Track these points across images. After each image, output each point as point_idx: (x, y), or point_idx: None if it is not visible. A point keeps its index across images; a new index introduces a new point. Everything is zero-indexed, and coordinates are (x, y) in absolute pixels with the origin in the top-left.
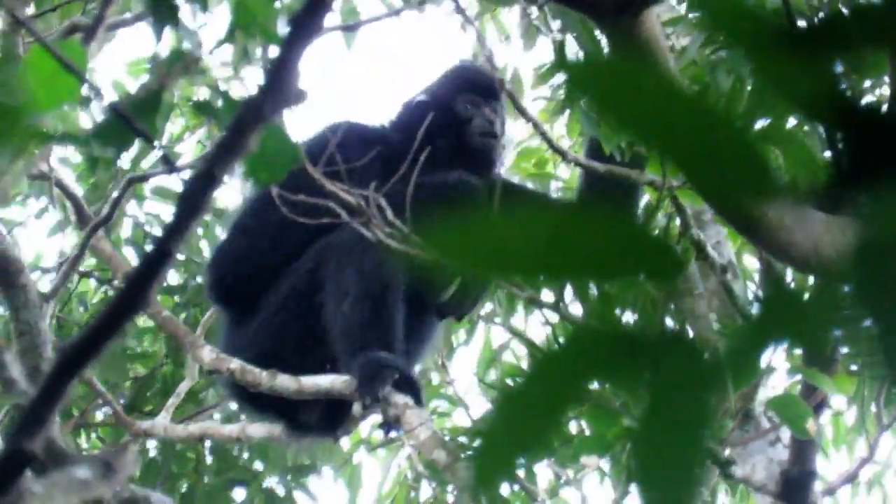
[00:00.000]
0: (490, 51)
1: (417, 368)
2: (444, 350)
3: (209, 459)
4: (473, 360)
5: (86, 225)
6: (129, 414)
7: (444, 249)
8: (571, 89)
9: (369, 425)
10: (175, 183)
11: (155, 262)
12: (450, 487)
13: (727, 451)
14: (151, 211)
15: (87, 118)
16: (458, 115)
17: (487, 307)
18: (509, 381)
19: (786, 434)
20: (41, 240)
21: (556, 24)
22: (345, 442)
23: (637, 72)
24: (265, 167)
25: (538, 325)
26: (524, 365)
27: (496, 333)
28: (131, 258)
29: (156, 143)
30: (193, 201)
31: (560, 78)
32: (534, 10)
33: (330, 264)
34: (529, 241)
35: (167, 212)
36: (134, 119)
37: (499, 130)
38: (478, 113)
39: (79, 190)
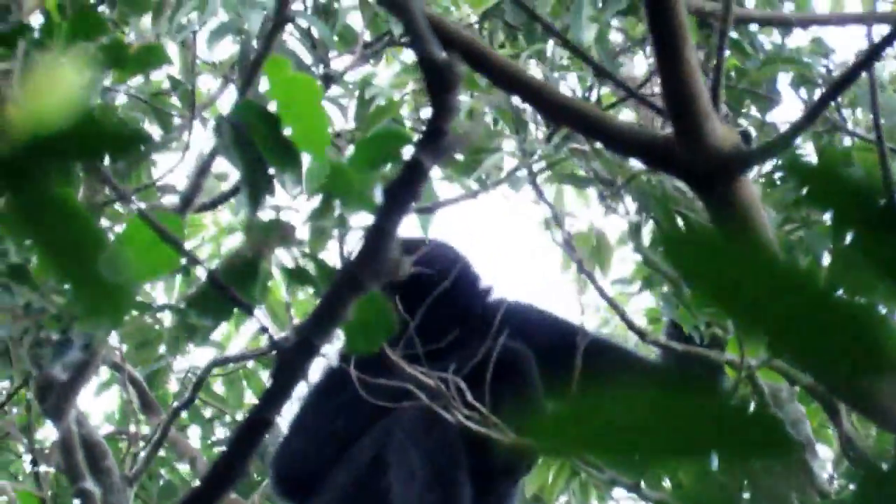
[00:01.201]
0: (569, 233)
1: None
2: None
3: None
4: None
5: (149, 410)
6: None
7: (534, 434)
8: (671, 262)
9: None
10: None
11: (252, 431)
12: None
13: None
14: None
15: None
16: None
17: (562, 499)
18: None
19: None
20: (108, 403)
21: (631, 205)
22: None
23: (737, 245)
24: (362, 336)
25: None
26: None
27: None
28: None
29: (253, 312)
30: (291, 370)
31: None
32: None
33: (394, 446)
34: (622, 423)
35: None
36: (231, 288)
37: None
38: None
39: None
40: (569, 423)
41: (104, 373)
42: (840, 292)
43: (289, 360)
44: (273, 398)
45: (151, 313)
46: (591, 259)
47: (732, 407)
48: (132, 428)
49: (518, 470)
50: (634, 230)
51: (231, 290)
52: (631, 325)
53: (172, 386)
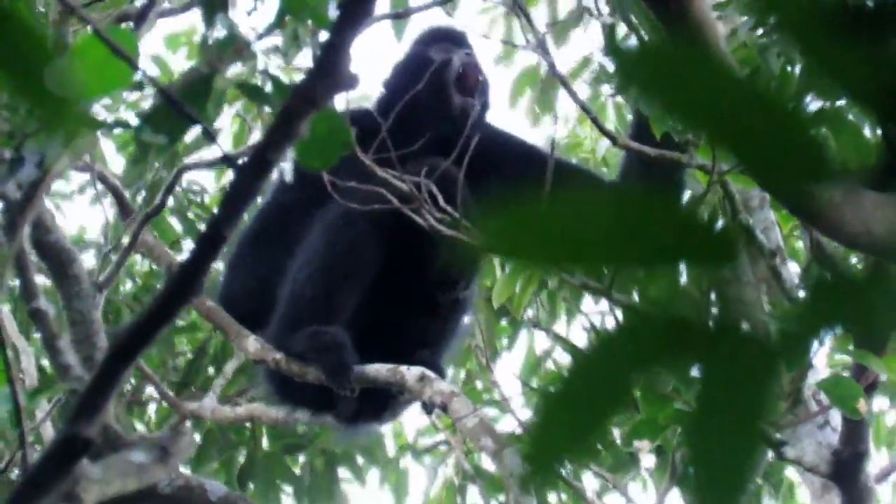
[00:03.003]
0: (541, 32)
1: (446, 368)
2: (487, 353)
3: (265, 429)
4: (517, 365)
5: (127, 214)
6: (182, 390)
7: (496, 237)
8: (622, 76)
9: (415, 431)
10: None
11: (208, 246)
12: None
13: (778, 434)
14: (193, 181)
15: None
16: (435, 60)
17: (529, 312)
18: (551, 388)
19: (835, 419)
20: (84, 211)
21: (605, 8)
22: (390, 447)
23: (687, 57)
24: (317, 152)
25: (580, 332)
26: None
27: (539, 339)
28: (177, 227)
29: (207, 128)
30: (246, 186)
31: (607, 62)
32: None
33: (312, 232)
34: (580, 228)
35: (207, 178)
36: (185, 105)
37: (480, 69)
38: (454, 55)
39: (120, 161)
40: (526, 224)
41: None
42: (806, 98)
43: (243, 175)
44: (228, 214)
45: (105, 131)
46: (538, 97)
47: (687, 215)
48: (103, 235)
49: (458, 280)
50: (609, 32)
51: (184, 105)
52: (602, 129)
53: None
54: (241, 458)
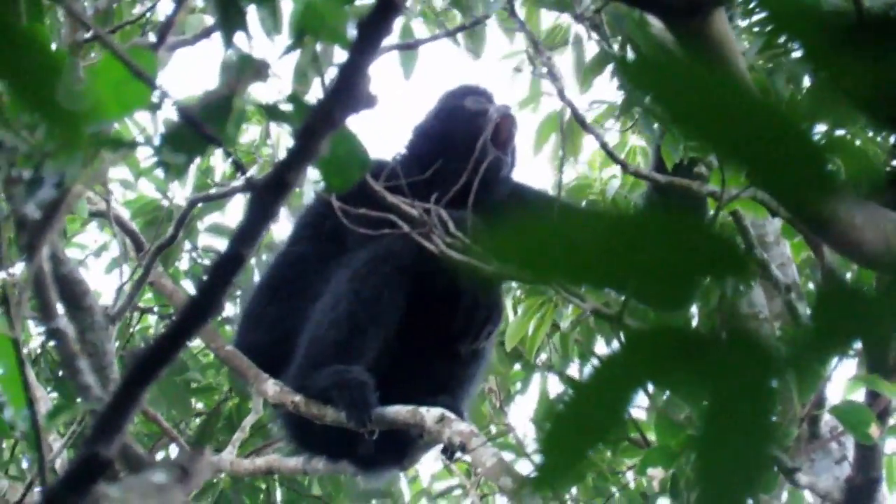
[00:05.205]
0: (549, 57)
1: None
2: (501, 396)
3: (279, 491)
4: (531, 408)
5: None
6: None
7: (510, 255)
8: (633, 91)
9: (430, 476)
10: (230, 220)
11: (226, 267)
12: None
13: (793, 460)
14: (207, 245)
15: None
16: (471, 109)
17: (543, 356)
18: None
19: (852, 453)
20: (99, 277)
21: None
22: (406, 491)
23: (700, 69)
24: (337, 172)
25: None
26: None
27: (553, 382)
28: (191, 291)
29: (226, 149)
30: (265, 206)
31: (619, 84)
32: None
33: (336, 279)
34: (595, 245)
35: (222, 246)
36: (204, 125)
37: (515, 122)
38: (490, 105)
39: (135, 226)
40: (542, 243)
41: (115, 249)
42: (814, 119)
43: (261, 196)
44: (246, 235)
45: (125, 150)
46: (562, 140)
47: (701, 229)
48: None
49: (479, 330)
50: (620, 62)
51: (203, 125)
52: (612, 156)
53: (184, 264)
54: None
